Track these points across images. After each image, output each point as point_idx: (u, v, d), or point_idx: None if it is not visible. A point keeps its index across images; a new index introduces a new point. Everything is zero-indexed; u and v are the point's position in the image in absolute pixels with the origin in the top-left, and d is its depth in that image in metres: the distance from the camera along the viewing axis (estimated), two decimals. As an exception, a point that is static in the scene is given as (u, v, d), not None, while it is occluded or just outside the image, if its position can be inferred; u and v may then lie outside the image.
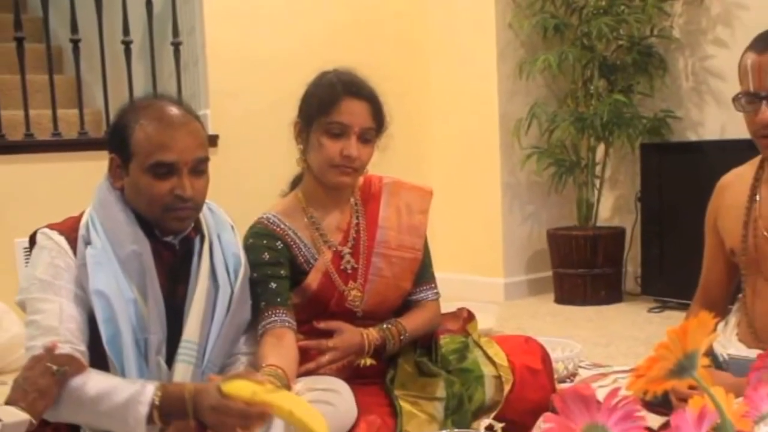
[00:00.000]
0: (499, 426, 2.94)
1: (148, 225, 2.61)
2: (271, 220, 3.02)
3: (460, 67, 5.98)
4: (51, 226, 2.63)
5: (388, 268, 3.06)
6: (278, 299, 2.85)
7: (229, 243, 2.78)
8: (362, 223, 3.08)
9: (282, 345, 2.77)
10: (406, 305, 3.14)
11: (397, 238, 3.09)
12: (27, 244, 2.71)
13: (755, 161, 2.98)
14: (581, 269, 5.44)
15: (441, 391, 3.00)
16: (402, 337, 3.02)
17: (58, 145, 5.18)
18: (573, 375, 3.81)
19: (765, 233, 2.88)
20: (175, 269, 2.65)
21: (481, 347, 3.20)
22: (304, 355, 2.86)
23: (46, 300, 2.47)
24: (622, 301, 5.47)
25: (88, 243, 2.57)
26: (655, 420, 2.46)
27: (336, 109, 2.91)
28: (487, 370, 3.12)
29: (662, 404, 2.59)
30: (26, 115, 5.16)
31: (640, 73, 5.52)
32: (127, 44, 5.42)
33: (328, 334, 2.93)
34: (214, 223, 2.77)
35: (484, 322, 3.68)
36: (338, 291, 3.00)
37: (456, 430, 2.84)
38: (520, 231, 5.85)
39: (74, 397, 2.34)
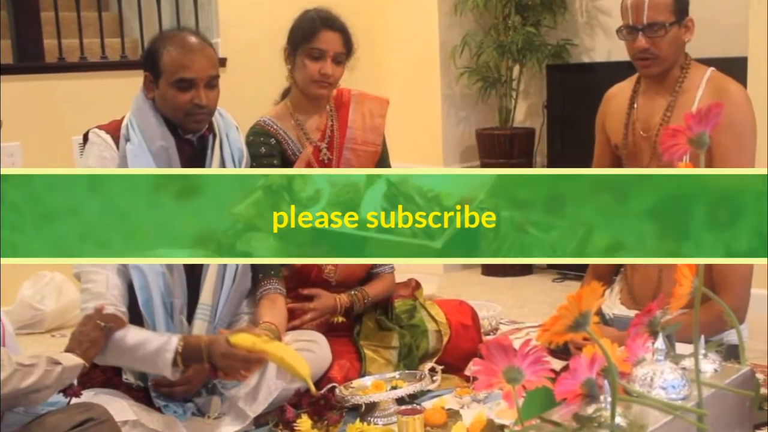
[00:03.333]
0: (439, 368, 2.95)
1: (172, 126, 2.60)
2: (266, 122, 3.01)
3: (409, 6, 5.89)
4: (99, 127, 2.63)
5: (355, 160, 3.05)
6: (272, 271, 2.83)
7: (235, 140, 2.76)
8: (336, 124, 3.06)
9: (275, 307, 2.78)
10: (369, 276, 3.14)
11: (362, 136, 3.08)
12: (81, 141, 2.69)
13: (634, 78, 2.98)
14: (501, 160, 5.38)
15: (395, 342, 3.03)
16: (366, 301, 3.04)
17: (105, 66, 5.08)
18: (495, 330, 3.76)
19: (641, 132, 2.90)
20: (193, 161, 2.64)
21: (425, 308, 3.21)
22: (291, 314, 2.87)
23: (96, 272, 2.46)
24: (533, 274, 5.36)
25: (127, 140, 2.57)
26: (558, 364, 2.45)
27: (315, 38, 2.89)
28: (430, 326, 3.14)
29: (563, 352, 2.57)
30: (81, 43, 5.05)
31: (546, 10, 5.43)
32: (156, -12, 5.31)
33: (309, 298, 2.95)
34: (224, 125, 2.75)
35: (428, 289, 3.63)
36: (317, 266, 2.99)
37: (406, 371, 2.91)
38: (456, 130, 5.81)
39: (117, 346, 2.37)
